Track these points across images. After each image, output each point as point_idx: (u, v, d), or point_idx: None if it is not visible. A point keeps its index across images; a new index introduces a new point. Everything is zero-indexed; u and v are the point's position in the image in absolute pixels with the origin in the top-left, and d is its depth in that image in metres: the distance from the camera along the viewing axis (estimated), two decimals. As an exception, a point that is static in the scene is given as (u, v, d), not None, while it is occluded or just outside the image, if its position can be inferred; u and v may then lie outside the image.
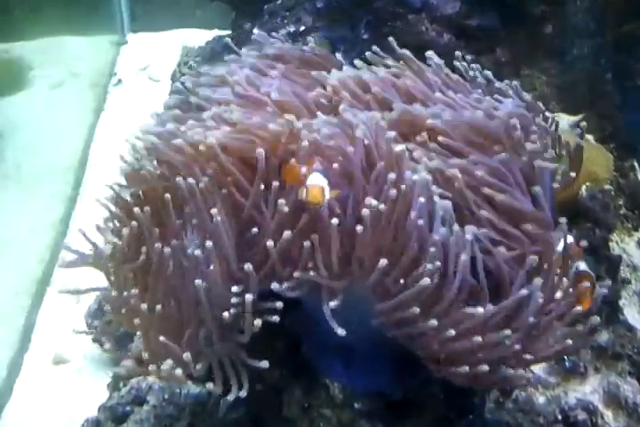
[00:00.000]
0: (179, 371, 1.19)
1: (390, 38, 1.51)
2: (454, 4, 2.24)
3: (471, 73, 1.47)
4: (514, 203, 1.25)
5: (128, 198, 1.32)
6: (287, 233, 1.16)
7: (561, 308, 1.20)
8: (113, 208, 1.32)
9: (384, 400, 1.37)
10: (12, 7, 3.44)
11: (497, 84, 1.45)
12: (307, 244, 1.16)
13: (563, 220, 1.24)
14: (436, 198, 1.19)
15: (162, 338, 1.19)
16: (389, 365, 1.37)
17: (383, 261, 1.13)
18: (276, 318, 1.19)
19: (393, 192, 1.13)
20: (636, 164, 2.19)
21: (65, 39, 3.61)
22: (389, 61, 1.47)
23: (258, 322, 1.17)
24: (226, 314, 1.18)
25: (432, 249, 1.14)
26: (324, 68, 1.47)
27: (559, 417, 1.58)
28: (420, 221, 1.14)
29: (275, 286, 1.18)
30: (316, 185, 1.13)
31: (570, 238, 1.25)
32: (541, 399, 1.60)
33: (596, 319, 1.19)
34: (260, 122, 1.24)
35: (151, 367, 1.21)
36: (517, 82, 1.46)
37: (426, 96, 1.38)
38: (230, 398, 1.21)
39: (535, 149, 1.28)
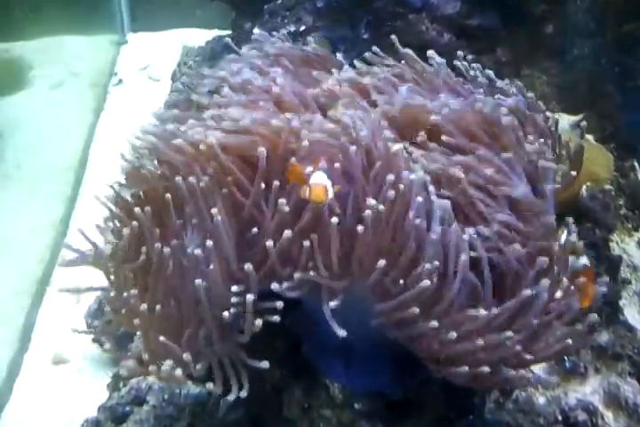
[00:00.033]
0: (179, 371, 1.18)
1: (393, 36, 1.50)
2: (455, 4, 2.24)
3: (472, 73, 1.47)
4: (524, 199, 1.25)
5: (128, 198, 1.32)
6: (287, 233, 1.16)
7: (561, 307, 1.20)
8: (113, 208, 1.32)
9: (384, 400, 1.37)
10: (12, 7, 3.44)
11: (498, 83, 1.45)
12: (306, 244, 1.16)
13: (570, 219, 1.24)
14: (434, 198, 1.19)
15: (162, 338, 1.19)
16: (389, 365, 1.37)
17: (382, 262, 1.12)
18: (276, 318, 1.18)
19: (391, 193, 1.13)
20: (636, 164, 2.19)
21: (65, 39, 3.60)
22: (389, 61, 1.47)
23: (258, 322, 1.17)
24: (226, 314, 1.18)
25: (429, 248, 1.13)
26: (325, 68, 1.47)
27: (559, 418, 1.58)
28: (418, 221, 1.14)
29: (275, 286, 1.18)
30: (319, 184, 1.12)
31: (573, 237, 1.25)
32: (541, 400, 1.60)
33: (594, 317, 1.19)
34: (262, 118, 1.24)
35: (151, 368, 1.20)
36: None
37: (430, 90, 1.37)
38: (230, 398, 1.21)
39: (538, 150, 1.28)
